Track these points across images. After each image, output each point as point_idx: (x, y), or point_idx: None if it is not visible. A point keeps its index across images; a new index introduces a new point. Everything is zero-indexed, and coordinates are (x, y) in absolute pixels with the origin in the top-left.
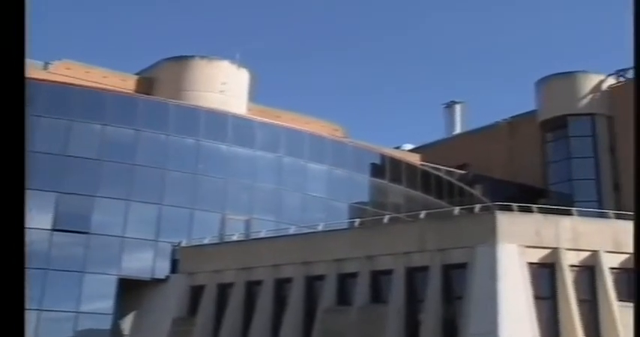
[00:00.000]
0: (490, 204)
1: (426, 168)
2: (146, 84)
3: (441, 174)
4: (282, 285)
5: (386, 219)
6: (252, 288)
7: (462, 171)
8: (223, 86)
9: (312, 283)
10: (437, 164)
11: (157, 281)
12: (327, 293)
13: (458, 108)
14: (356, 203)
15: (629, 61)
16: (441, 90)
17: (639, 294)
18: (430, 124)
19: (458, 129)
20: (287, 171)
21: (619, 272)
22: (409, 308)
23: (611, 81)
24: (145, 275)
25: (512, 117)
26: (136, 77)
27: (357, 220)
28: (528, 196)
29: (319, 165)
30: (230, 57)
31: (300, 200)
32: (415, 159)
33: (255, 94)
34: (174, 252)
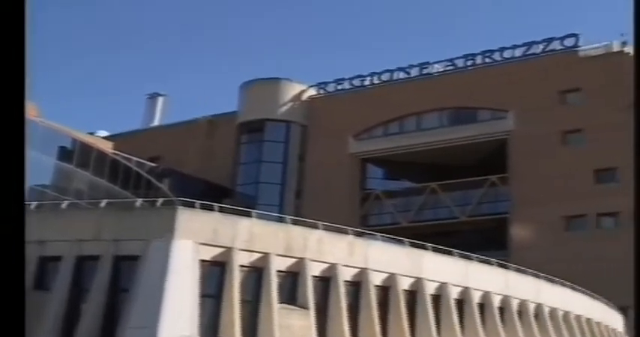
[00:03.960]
0: (174, 198)
1: (117, 157)
2: None
3: (130, 164)
4: None
5: (64, 204)
6: None
7: (154, 164)
8: None
9: None
10: (130, 154)
11: None
12: None
13: (160, 100)
14: (37, 185)
15: (336, 74)
16: (149, 82)
17: (639, 295)
18: (135, 114)
19: (157, 122)
20: None
21: (285, 275)
22: (73, 297)
23: (312, 92)
24: None
25: (213, 115)
26: None
27: (34, 203)
28: (215, 195)
29: None
30: None
31: None
32: (108, 146)
33: None
34: None
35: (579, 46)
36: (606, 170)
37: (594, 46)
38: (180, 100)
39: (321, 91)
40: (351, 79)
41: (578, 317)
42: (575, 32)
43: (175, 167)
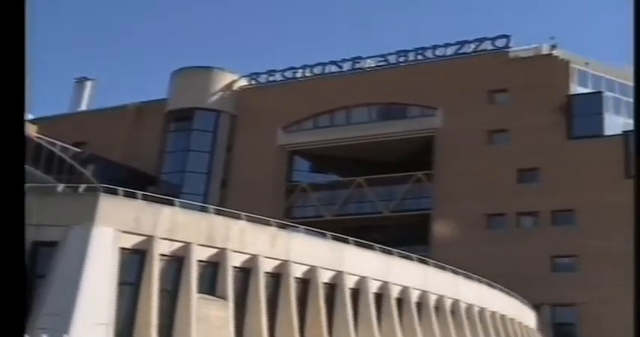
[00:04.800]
0: (96, 185)
1: (40, 141)
2: None
3: (54, 149)
4: None
5: None
6: None
7: (78, 149)
8: None
9: None
10: (55, 138)
11: None
12: None
13: (89, 84)
14: None
15: (269, 65)
16: (79, 66)
17: (638, 293)
18: (62, 98)
19: (84, 107)
20: None
21: (206, 265)
22: None
23: (243, 82)
24: None
25: (141, 102)
26: None
27: None
28: (140, 182)
29: None
30: None
31: None
32: (31, 130)
33: None
34: None
35: (510, 47)
36: (529, 170)
37: (524, 47)
38: (109, 86)
39: (253, 82)
40: (283, 70)
41: (493, 314)
42: (507, 33)
43: (101, 153)
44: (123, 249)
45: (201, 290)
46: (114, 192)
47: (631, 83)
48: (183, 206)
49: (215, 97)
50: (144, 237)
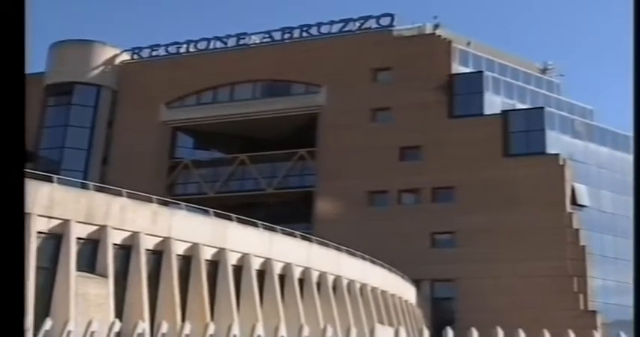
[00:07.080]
0: None
1: None
2: None
3: None
4: None
5: None
6: None
7: None
8: None
9: None
10: None
11: None
12: None
13: None
14: None
15: (153, 40)
16: None
17: (638, 292)
18: None
19: None
20: None
21: (85, 242)
22: None
23: (125, 57)
24: None
25: None
26: None
27: None
28: None
29: None
30: None
31: None
32: None
33: None
34: None
35: (394, 26)
36: (411, 148)
37: (408, 26)
38: None
39: (135, 57)
40: (166, 45)
41: (374, 290)
42: (392, 12)
43: None
44: None
45: (80, 268)
46: None
47: (511, 64)
48: (62, 182)
49: (96, 72)
50: None
